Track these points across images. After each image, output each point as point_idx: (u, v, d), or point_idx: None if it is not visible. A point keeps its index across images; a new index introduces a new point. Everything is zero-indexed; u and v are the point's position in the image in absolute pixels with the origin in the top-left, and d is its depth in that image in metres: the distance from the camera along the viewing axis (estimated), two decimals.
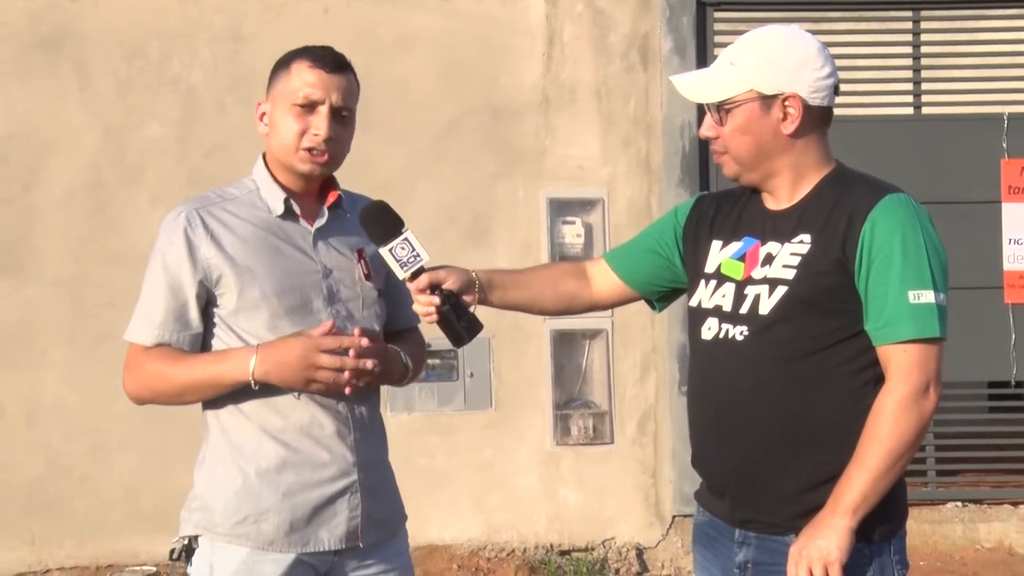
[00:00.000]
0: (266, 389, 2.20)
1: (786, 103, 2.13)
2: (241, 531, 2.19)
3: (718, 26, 5.36)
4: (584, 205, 5.26)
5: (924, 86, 5.49)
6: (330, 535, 2.23)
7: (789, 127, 2.14)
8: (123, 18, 5.14)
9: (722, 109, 2.16)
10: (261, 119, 2.31)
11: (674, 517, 5.22)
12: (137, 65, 5.15)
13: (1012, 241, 5.31)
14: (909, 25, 5.51)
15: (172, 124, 5.15)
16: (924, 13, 5.50)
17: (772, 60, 2.13)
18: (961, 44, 5.56)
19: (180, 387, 2.22)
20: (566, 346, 5.26)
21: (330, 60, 2.26)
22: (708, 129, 2.20)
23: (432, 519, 5.10)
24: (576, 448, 5.22)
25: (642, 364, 5.25)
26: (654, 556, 5.21)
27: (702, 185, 5.21)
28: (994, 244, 5.29)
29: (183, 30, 5.16)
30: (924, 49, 5.50)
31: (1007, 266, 5.30)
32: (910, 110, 5.49)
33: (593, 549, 5.18)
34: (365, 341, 2.19)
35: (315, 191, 2.34)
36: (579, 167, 5.24)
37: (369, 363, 2.19)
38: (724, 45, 5.28)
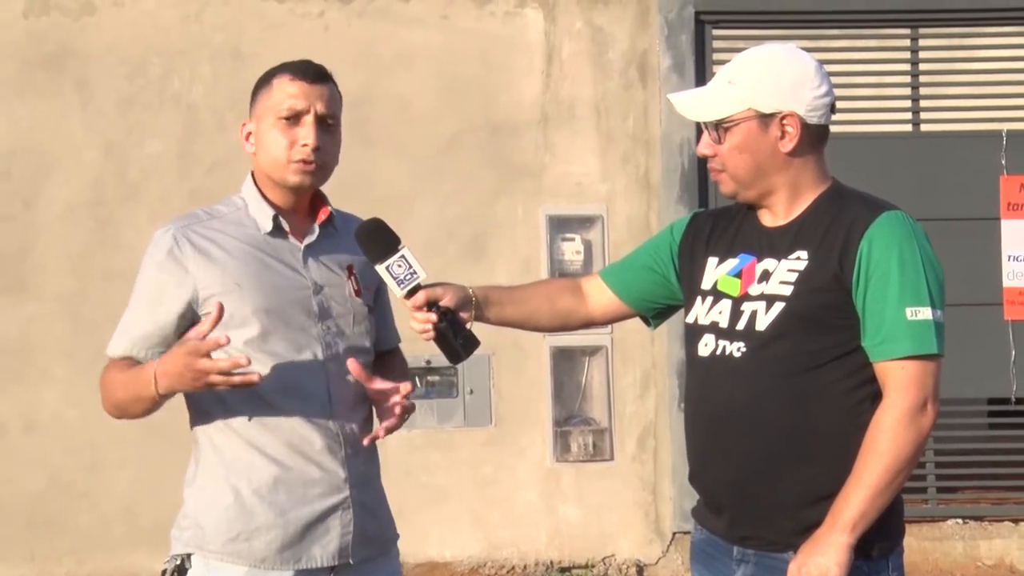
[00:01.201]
0: (254, 406, 2.19)
1: (784, 121, 2.14)
2: (233, 549, 2.18)
3: (716, 43, 5.38)
4: (583, 222, 5.26)
5: (923, 103, 5.50)
6: (323, 551, 2.22)
7: (787, 145, 2.15)
8: (124, 36, 5.17)
9: (720, 127, 2.16)
10: (247, 139, 2.31)
11: (674, 534, 5.21)
12: (138, 83, 5.17)
13: (1011, 258, 5.32)
14: (907, 43, 5.53)
15: (173, 141, 5.17)
16: (922, 31, 5.51)
17: (770, 79, 2.14)
18: (959, 61, 5.57)
19: (122, 399, 2.21)
20: (566, 363, 5.26)
21: (311, 71, 2.27)
22: (706, 147, 2.21)
23: (432, 536, 5.10)
24: (576, 465, 5.21)
25: (642, 381, 5.25)
26: (654, 573, 5.21)
27: (701, 202, 5.22)
28: (993, 261, 5.29)
29: (184, 48, 5.18)
30: (922, 66, 5.52)
31: (1007, 283, 5.30)
32: (909, 127, 5.50)
33: (593, 566, 5.17)
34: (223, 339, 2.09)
35: (305, 208, 2.34)
36: (578, 184, 5.26)
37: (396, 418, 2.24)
38: (722, 62, 5.28)
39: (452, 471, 5.18)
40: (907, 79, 5.51)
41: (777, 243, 2.18)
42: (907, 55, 5.52)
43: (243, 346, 2.19)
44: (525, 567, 5.16)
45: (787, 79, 2.14)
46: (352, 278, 2.33)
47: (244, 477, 2.20)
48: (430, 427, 5.15)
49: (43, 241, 5.13)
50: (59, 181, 5.14)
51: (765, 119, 2.14)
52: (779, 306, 2.11)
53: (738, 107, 2.14)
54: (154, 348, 2.21)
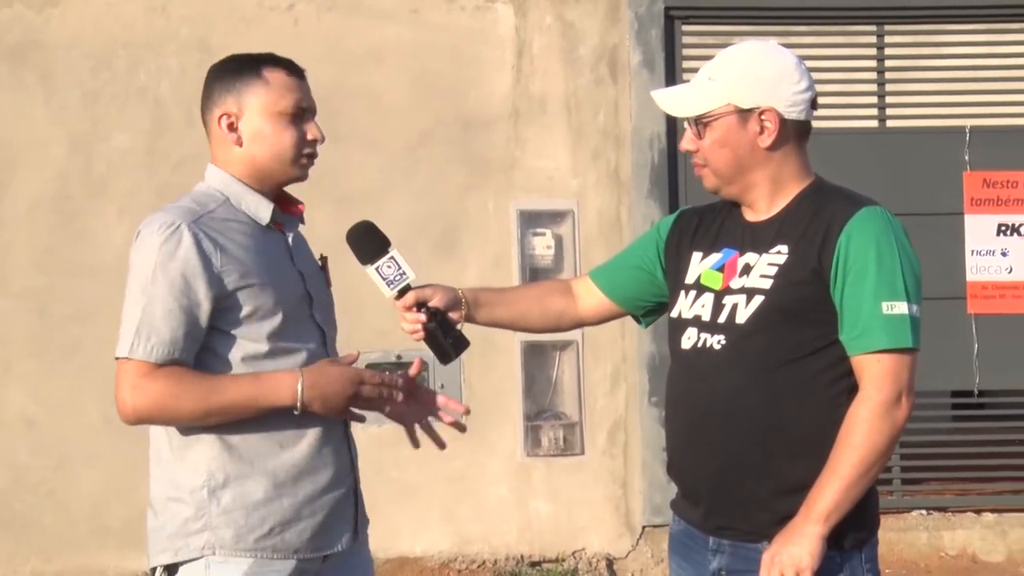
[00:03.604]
0: None
1: (763, 117, 2.17)
2: (267, 544, 2.17)
3: (686, 39, 5.41)
4: (554, 217, 5.28)
5: (888, 99, 5.56)
6: (341, 536, 2.26)
7: (766, 140, 2.18)
8: (89, 29, 5.12)
9: (700, 123, 2.19)
10: (230, 129, 2.26)
11: (644, 527, 5.24)
12: (104, 76, 5.13)
13: (975, 252, 5.39)
14: (873, 39, 5.58)
15: (140, 135, 5.13)
16: (888, 27, 5.57)
17: (749, 75, 2.17)
18: (924, 58, 5.64)
19: (208, 410, 2.14)
20: (536, 357, 5.28)
21: (298, 67, 2.30)
22: (688, 143, 2.23)
23: (403, 531, 5.10)
24: (547, 459, 5.23)
25: (612, 375, 5.27)
26: (624, 567, 5.23)
27: (671, 196, 5.25)
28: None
29: (150, 41, 5.14)
30: (888, 63, 5.58)
31: (970, 277, 5.37)
32: (875, 123, 5.56)
33: (564, 560, 5.19)
34: (400, 380, 2.26)
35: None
36: (549, 179, 5.27)
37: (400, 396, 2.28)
38: (692, 58, 5.36)
39: (422, 466, 5.17)
40: (873, 75, 5.57)
41: (759, 237, 2.20)
42: (873, 51, 5.58)
43: (267, 339, 2.19)
44: (496, 562, 5.17)
45: (766, 75, 2.17)
46: (324, 269, 2.38)
47: (269, 472, 2.18)
48: None
49: (7, 236, 5.07)
50: (24, 176, 5.08)
51: (744, 114, 2.17)
52: (759, 299, 2.14)
53: (718, 102, 2.17)
54: (191, 347, 2.16)
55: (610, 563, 5.21)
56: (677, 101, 2.25)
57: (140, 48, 5.14)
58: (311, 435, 2.22)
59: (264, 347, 2.19)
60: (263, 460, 2.19)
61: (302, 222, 2.37)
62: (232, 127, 2.26)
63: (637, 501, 5.24)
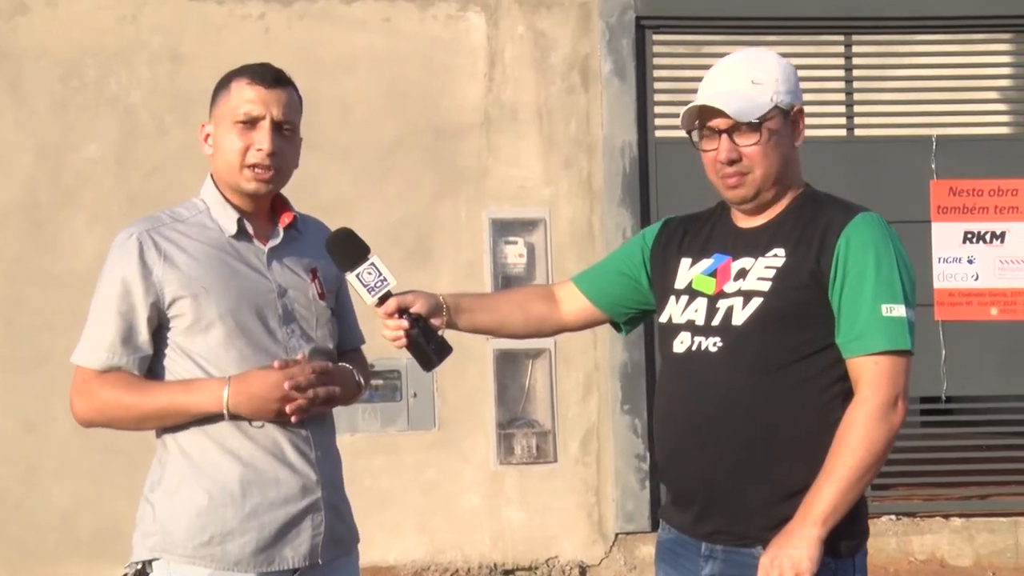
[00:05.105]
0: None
1: (797, 116, 2.22)
2: (205, 553, 2.17)
3: (657, 48, 5.44)
4: (526, 225, 5.29)
5: (856, 108, 5.62)
6: (294, 553, 2.22)
7: (799, 139, 2.24)
8: (59, 38, 5.08)
9: (762, 127, 2.17)
10: (206, 140, 2.31)
11: (617, 535, 5.25)
12: (74, 85, 5.09)
13: (941, 259, 5.45)
14: (841, 49, 5.65)
15: (110, 144, 5.09)
16: (856, 37, 5.64)
17: (784, 75, 2.21)
18: (891, 68, 5.71)
19: (141, 415, 2.20)
20: (509, 366, 5.28)
21: (269, 75, 2.27)
22: (731, 151, 2.18)
23: (376, 540, 5.08)
24: (519, 467, 5.23)
25: (584, 383, 5.28)
26: (597, 574, 5.24)
27: (643, 205, 5.27)
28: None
29: (121, 50, 5.11)
30: (856, 73, 5.64)
31: (937, 284, 5.43)
32: (843, 132, 5.62)
33: (537, 568, 5.19)
34: (329, 365, 2.23)
35: (266, 210, 2.34)
36: (521, 187, 5.28)
37: (336, 389, 2.24)
38: (662, 67, 5.39)
39: (396, 475, 5.17)
40: (841, 84, 5.62)
41: (753, 242, 2.22)
42: (841, 61, 5.64)
43: (209, 350, 2.19)
44: (469, 570, 5.17)
45: (792, 77, 2.22)
46: (316, 281, 2.35)
47: (217, 481, 2.19)
48: (374, 431, 5.13)
49: None
50: None
51: (785, 115, 2.20)
52: (756, 301, 2.14)
53: (769, 105, 2.18)
54: (132, 355, 2.20)
55: (583, 571, 5.22)
56: (740, 106, 2.17)
57: (110, 57, 5.10)
58: (266, 447, 2.21)
59: (212, 356, 2.19)
60: (214, 467, 2.19)
61: (298, 231, 2.36)
62: (207, 138, 2.31)
63: (610, 509, 5.25)
